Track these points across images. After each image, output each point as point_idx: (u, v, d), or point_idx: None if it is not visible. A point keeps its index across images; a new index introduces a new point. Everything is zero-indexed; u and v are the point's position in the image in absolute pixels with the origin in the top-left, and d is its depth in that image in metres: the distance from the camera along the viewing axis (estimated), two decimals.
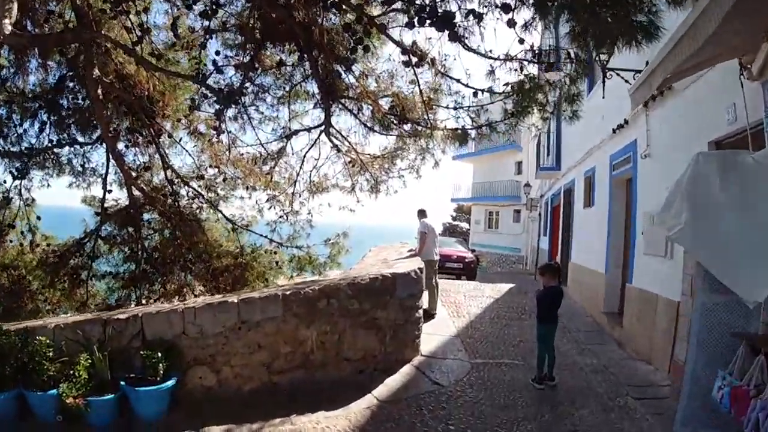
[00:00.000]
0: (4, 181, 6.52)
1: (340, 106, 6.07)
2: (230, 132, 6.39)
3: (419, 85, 5.35)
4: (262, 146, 6.82)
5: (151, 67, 5.08)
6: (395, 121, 5.99)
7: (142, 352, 4.04)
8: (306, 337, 4.64)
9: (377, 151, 7.45)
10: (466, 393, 4.53)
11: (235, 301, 4.41)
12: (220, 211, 7.38)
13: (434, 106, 5.69)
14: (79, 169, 6.97)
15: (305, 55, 4.96)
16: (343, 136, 6.65)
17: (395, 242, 11.15)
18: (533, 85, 4.46)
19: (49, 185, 6.90)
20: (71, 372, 3.91)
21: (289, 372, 4.59)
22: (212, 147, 6.59)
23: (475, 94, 5.08)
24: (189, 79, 5.18)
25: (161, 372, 3.96)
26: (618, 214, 7.53)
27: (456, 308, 8.30)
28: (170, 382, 4.00)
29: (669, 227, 3.80)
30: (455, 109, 5.61)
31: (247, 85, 5.54)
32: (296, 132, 6.64)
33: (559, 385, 4.71)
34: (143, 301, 7.22)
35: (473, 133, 5.79)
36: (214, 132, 6.01)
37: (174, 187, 6.95)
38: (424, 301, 6.53)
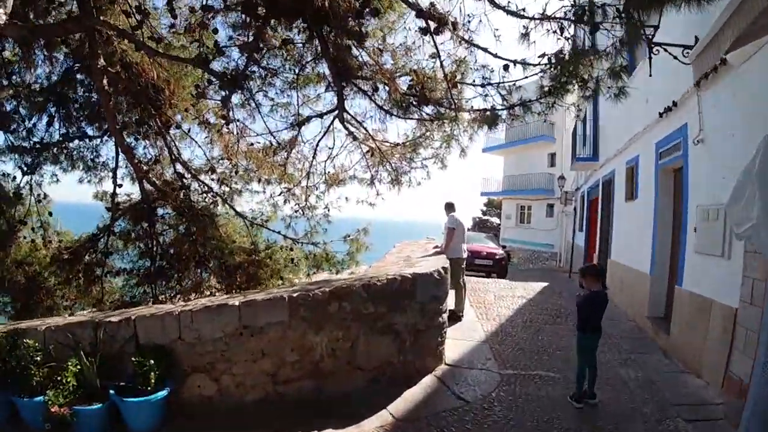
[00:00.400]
0: (14, 177, 6.38)
1: (353, 88, 5.53)
2: (238, 121, 6.02)
3: (440, 58, 4.68)
4: (272, 135, 6.40)
5: (151, 52, 4.75)
6: (415, 102, 5.33)
7: (134, 359, 3.71)
8: (315, 343, 4.21)
9: (397, 139, 6.88)
10: (494, 411, 3.99)
11: (236, 304, 4.02)
12: (231, 206, 7.05)
13: (458, 83, 4.99)
14: (90, 163, 6.77)
15: (314, 33, 4.48)
16: (358, 121, 6.12)
17: (422, 238, 10.68)
18: (574, 54, 3.78)
19: (58, 180, 6.72)
20: (59, 378, 3.63)
21: (296, 382, 4.18)
22: (222, 137, 6.22)
23: (506, 68, 4.40)
24: (190, 63, 4.81)
25: (152, 381, 3.62)
26: (665, 207, 6.82)
27: (485, 309, 7.73)
28: (162, 393, 3.66)
29: (737, 222, 3.23)
30: (483, 86, 4.89)
31: (254, 68, 5.14)
32: (308, 119, 6.12)
33: (600, 403, 4.11)
34: (160, 298, 7.03)
35: (504, 114, 5.06)
36: (223, 121, 5.63)
37: (185, 180, 6.67)
38: (450, 301, 6.03)
